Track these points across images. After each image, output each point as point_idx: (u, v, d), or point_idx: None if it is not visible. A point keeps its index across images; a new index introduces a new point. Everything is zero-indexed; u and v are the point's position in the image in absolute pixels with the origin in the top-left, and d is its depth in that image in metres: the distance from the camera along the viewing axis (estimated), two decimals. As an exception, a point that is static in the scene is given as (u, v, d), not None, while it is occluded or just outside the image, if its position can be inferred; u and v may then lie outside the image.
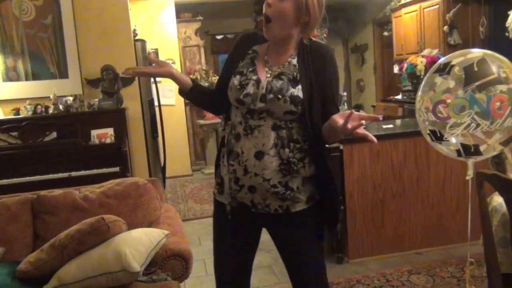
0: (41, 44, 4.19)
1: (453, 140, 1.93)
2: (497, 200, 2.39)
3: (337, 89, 1.70)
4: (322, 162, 1.67)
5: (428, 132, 2.01)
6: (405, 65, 5.96)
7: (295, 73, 1.62)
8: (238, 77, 1.67)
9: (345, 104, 3.34)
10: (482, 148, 1.90)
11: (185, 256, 2.23)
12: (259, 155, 1.60)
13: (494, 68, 1.86)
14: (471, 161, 2.00)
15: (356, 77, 8.96)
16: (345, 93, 3.53)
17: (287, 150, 1.61)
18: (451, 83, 1.89)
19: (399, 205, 3.41)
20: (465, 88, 1.85)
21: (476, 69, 1.87)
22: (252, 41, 1.74)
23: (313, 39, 1.71)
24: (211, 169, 6.70)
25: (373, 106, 7.69)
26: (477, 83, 1.84)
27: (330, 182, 1.69)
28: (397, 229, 3.43)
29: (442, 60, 2.03)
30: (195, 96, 1.81)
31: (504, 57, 1.96)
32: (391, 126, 3.74)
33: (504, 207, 2.03)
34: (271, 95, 1.59)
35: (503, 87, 1.83)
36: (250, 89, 1.62)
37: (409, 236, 3.45)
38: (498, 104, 1.82)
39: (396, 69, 6.80)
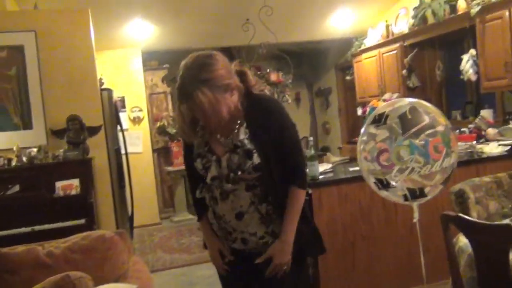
0: (4, 95, 4.12)
1: (399, 186, 2.01)
2: (463, 240, 2.44)
3: (290, 138, 1.69)
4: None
5: (374, 181, 2.08)
6: (368, 109, 6.15)
7: (246, 142, 1.64)
8: (199, 160, 1.69)
9: (312, 148, 3.37)
10: (426, 190, 2.01)
11: (155, 311, 2.16)
12: (239, 215, 1.66)
13: (424, 115, 2.00)
14: (416, 204, 2.09)
15: (321, 120, 9.15)
16: (311, 138, 3.57)
17: (264, 205, 1.66)
18: (388, 133, 2.00)
19: (370, 247, 3.43)
20: (403, 136, 1.97)
21: (409, 117, 1.99)
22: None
23: (255, 93, 1.70)
24: (179, 217, 6.60)
25: (340, 148, 7.83)
26: (413, 130, 1.97)
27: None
28: (369, 271, 3.43)
29: (376, 111, 2.14)
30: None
31: (430, 104, 2.12)
32: (357, 168, 3.80)
33: (470, 248, 2.07)
34: (232, 174, 1.63)
35: (435, 131, 1.97)
36: (214, 171, 1.65)
37: (381, 278, 3.45)
38: (434, 147, 1.95)
39: (359, 111, 6.99)
